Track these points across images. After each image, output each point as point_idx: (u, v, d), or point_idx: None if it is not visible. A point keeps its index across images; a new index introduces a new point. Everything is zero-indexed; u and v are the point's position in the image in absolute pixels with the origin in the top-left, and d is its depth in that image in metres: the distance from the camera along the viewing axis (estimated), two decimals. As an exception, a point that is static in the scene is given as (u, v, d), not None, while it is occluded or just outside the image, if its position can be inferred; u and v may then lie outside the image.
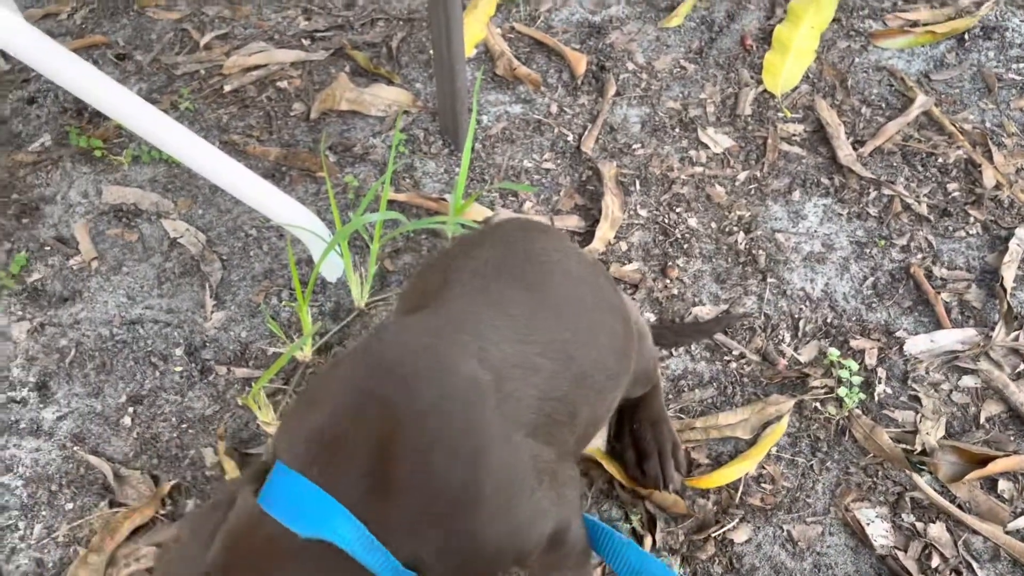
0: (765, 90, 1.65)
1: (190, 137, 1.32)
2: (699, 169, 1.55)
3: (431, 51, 1.76)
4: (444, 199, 1.52)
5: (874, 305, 1.34)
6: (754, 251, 1.42)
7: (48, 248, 1.51)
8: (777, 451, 1.19)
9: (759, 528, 1.13)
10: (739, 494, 1.15)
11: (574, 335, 0.87)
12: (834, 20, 1.75)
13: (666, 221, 1.47)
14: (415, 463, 0.70)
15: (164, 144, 1.33)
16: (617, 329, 0.94)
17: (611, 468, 1.16)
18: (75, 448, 1.25)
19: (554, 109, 1.66)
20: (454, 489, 0.71)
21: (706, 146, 1.58)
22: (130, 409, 1.29)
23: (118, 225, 1.53)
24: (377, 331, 0.81)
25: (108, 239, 1.51)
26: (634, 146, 1.59)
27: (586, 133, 1.61)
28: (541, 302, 0.87)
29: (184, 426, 1.27)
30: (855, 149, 1.54)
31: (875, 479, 1.16)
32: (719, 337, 1.31)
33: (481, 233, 1.00)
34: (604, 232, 1.44)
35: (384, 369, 0.75)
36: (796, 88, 1.65)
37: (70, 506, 1.20)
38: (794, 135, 1.59)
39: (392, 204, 1.51)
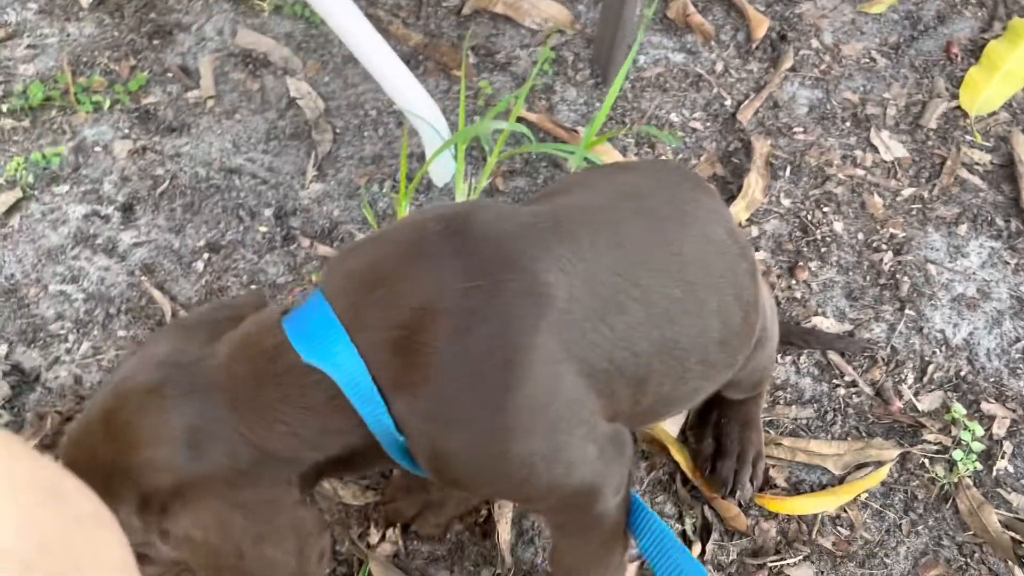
0: (958, 107, 1.46)
1: (340, -5, 1.23)
2: (861, 172, 1.38)
3: (605, -26, 1.62)
4: (576, 131, 1.40)
5: (1019, 371, 1.18)
6: (898, 276, 1.26)
7: (170, 75, 1.46)
8: (866, 497, 1.05)
9: (823, 573, 1.00)
10: (811, 530, 1.02)
11: (684, 299, 0.76)
12: (1060, 50, 1.53)
13: (809, 218, 1.32)
14: (448, 342, 0.64)
15: (312, -5, 1.24)
16: (735, 319, 0.81)
17: (679, 455, 1.04)
18: (142, 278, 1.22)
19: (719, 67, 1.52)
20: (478, 386, 0.65)
21: (876, 149, 1.41)
22: (205, 255, 1.25)
23: (243, 70, 1.48)
24: (476, 201, 0.74)
25: (230, 82, 1.46)
26: (795, 129, 1.44)
27: (746, 102, 1.47)
28: (665, 247, 0.76)
29: (253, 287, 1.22)
30: (1045, 197, 1.35)
31: (969, 560, 1.02)
32: (833, 357, 1.17)
33: (638, 162, 0.90)
34: (738, 211, 1.30)
35: (459, 236, 0.68)
36: (994, 113, 1.46)
37: (122, 333, 1.17)
38: (978, 164, 1.40)
39: (520, 121, 1.40)
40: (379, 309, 0.66)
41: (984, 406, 1.13)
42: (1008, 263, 1.29)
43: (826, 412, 1.13)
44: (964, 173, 1.39)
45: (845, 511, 1.04)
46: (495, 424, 0.65)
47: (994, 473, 1.08)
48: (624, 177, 0.84)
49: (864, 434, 1.11)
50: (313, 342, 0.65)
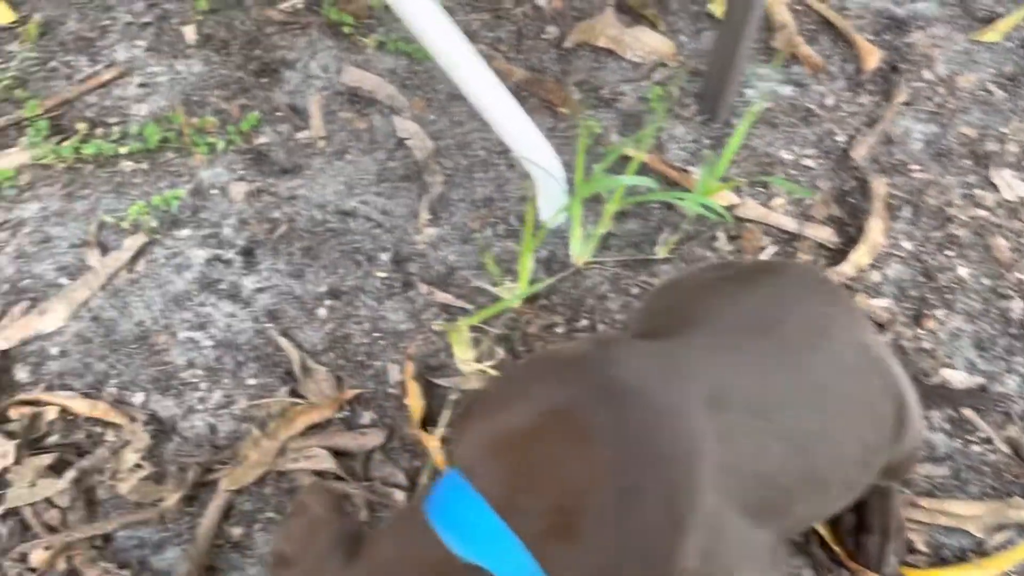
0: (1083, 142, 1.42)
1: (451, 30, 1.23)
2: (983, 213, 1.35)
3: (707, 2, 1.60)
4: (687, 171, 1.39)
5: None
6: (1029, 325, 1.23)
7: (280, 114, 1.48)
8: (1012, 569, 1.03)
9: (967, 642, 0.99)
10: (955, 598, 1.01)
11: (821, 430, 0.76)
12: None
13: (932, 262, 1.30)
14: (609, 509, 0.62)
15: (422, 31, 1.23)
16: (871, 438, 0.81)
17: (822, 528, 1.03)
18: (268, 325, 1.24)
19: (829, 102, 1.49)
20: (649, 551, 0.63)
21: (997, 188, 1.38)
22: (328, 301, 1.26)
23: (351, 109, 1.49)
24: (601, 342, 0.72)
25: (338, 121, 1.47)
26: (911, 166, 1.41)
27: (859, 137, 1.44)
28: (797, 379, 0.76)
29: (376, 335, 1.23)
30: None
31: (1120, 632, 1.00)
32: (966, 412, 1.15)
33: (755, 269, 0.87)
34: (860, 256, 1.28)
35: (599, 389, 0.66)
36: (1121, 149, 1.41)
37: (252, 382, 1.19)
38: (1106, 203, 1.36)
39: (625, 161, 1.39)
40: (533, 492, 0.63)
41: None
42: None
43: (960, 470, 1.11)
44: (1092, 214, 1.35)
45: (986, 576, 1.03)
46: None
47: None
48: (742, 296, 0.81)
49: (1003, 494, 1.09)
50: (475, 542, 0.63)
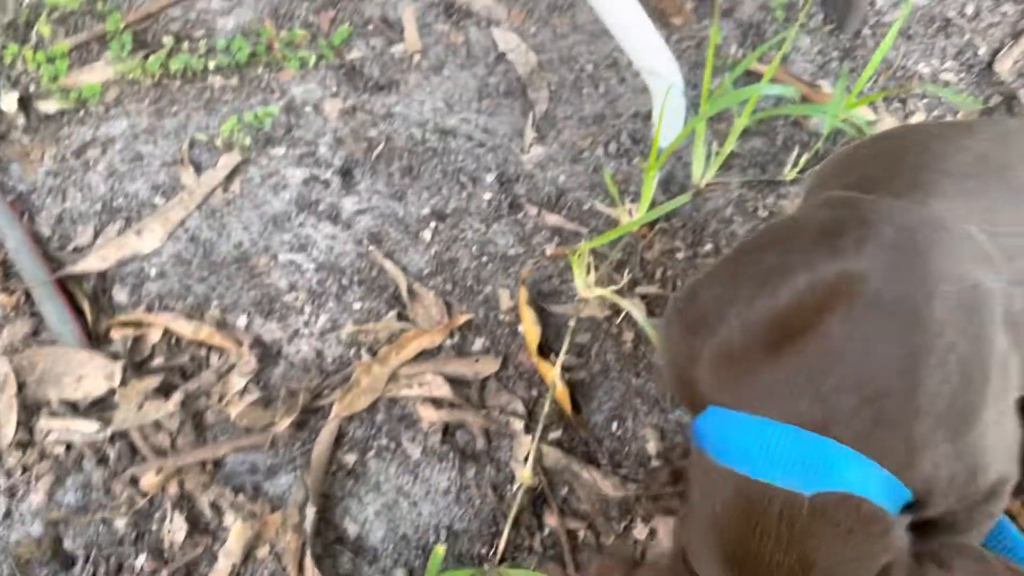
0: None
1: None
2: None
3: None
4: (817, 85, 1.28)
5: None
6: None
7: (372, 27, 1.40)
8: None
9: None
10: None
11: None
12: None
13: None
14: (927, 375, 0.55)
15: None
16: None
17: None
18: (371, 248, 1.18)
19: (969, 10, 1.36)
20: (959, 407, 0.57)
21: None
22: (432, 224, 1.20)
23: (446, 21, 1.40)
24: (851, 204, 0.64)
25: (434, 34, 1.39)
26: (1063, 81, 1.28)
27: (1004, 50, 1.31)
28: None
29: (484, 259, 1.16)
30: None
31: None
32: None
33: (959, 123, 0.78)
34: (1010, 177, 1.17)
35: (882, 254, 0.58)
36: None
37: (358, 306, 1.14)
38: None
39: (751, 76, 1.28)
40: (840, 391, 0.56)
41: None
42: None
43: None
44: None
45: None
46: (984, 433, 0.59)
47: None
48: (964, 144, 0.72)
49: None
50: (805, 469, 0.57)
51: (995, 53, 1.31)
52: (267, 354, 1.10)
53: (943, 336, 0.56)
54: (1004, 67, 1.29)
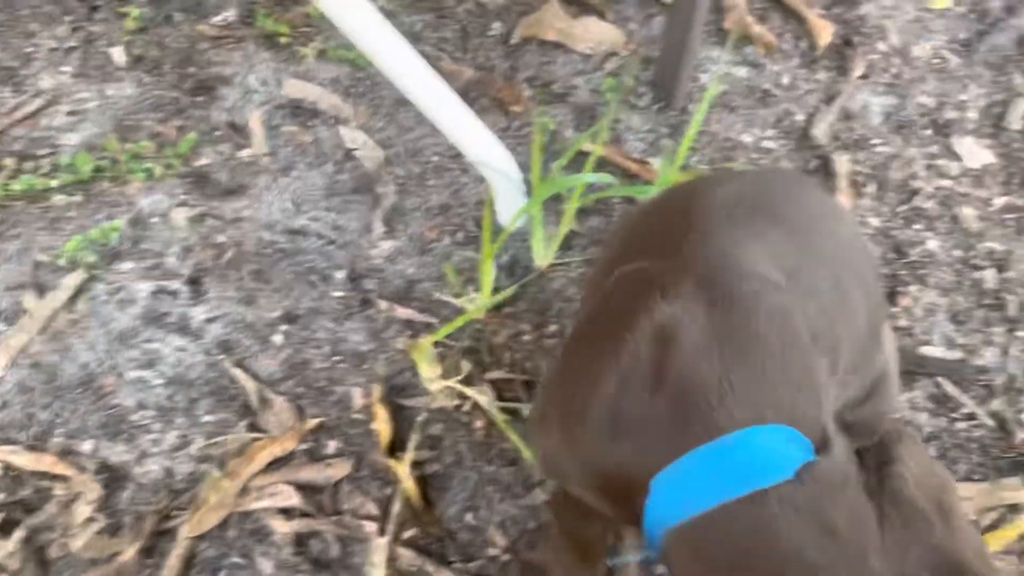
0: (1041, 104, 1.40)
1: (394, 37, 1.17)
2: (948, 183, 1.32)
3: (655, -11, 1.56)
4: (647, 162, 1.35)
5: None
6: (1004, 295, 1.21)
7: (219, 133, 1.41)
8: (1004, 547, 1.00)
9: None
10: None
11: (832, 293, 0.72)
12: None
13: (901, 237, 1.27)
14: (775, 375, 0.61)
15: (362, 39, 1.18)
16: (862, 324, 0.77)
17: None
18: (221, 357, 1.17)
19: (785, 80, 1.46)
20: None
21: (959, 157, 1.35)
22: (283, 327, 1.20)
23: (293, 123, 1.43)
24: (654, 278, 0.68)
25: (282, 136, 1.41)
26: (873, 141, 1.38)
27: (818, 115, 1.41)
28: (799, 244, 0.73)
29: (336, 358, 1.17)
30: None
31: (1122, 604, 0.97)
32: (948, 388, 1.12)
33: (724, 174, 0.85)
34: (828, 237, 1.25)
35: (697, 301, 0.63)
36: (1080, 108, 1.40)
37: (207, 419, 1.13)
38: (1069, 164, 1.34)
39: (583, 156, 1.34)
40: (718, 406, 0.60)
41: (1114, 432, 1.08)
42: (1117, 271, 1.23)
43: (948, 449, 1.08)
44: (1056, 176, 1.33)
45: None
46: None
47: None
48: (725, 190, 0.78)
49: (991, 471, 1.06)
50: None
51: (810, 118, 1.40)
52: (114, 478, 1.08)
53: (769, 344, 0.61)
54: (820, 131, 1.38)
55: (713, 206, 0.74)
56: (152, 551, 1.02)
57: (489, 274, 1.12)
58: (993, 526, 1.02)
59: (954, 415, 1.11)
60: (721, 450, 0.57)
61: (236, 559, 1.02)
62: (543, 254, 1.23)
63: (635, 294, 0.66)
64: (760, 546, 0.52)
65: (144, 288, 1.24)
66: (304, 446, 1.10)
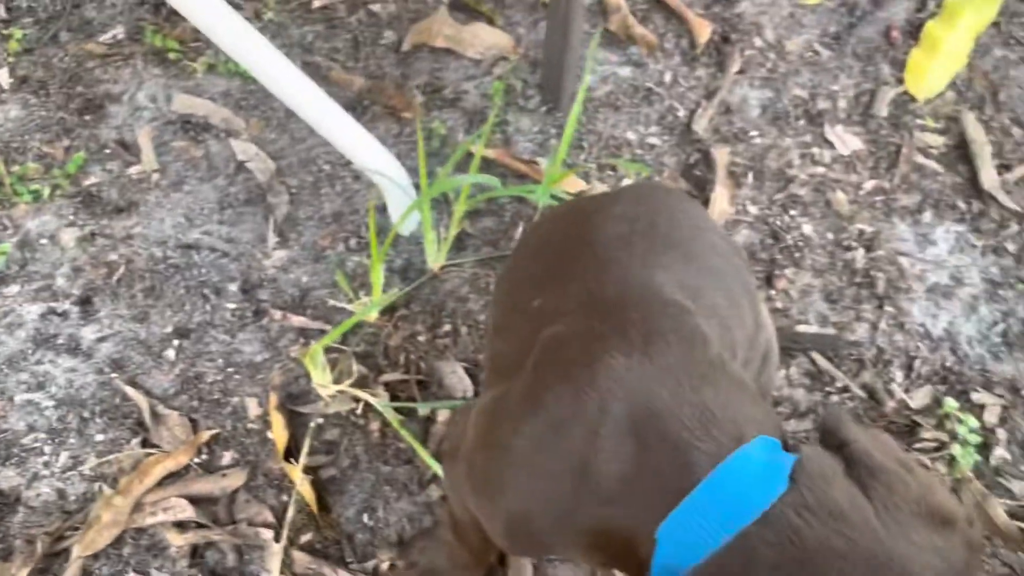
0: (905, 92, 1.48)
1: (272, 53, 1.20)
2: (821, 170, 1.39)
3: (541, -6, 1.60)
4: (536, 162, 1.38)
5: (1002, 355, 1.20)
6: (873, 273, 1.27)
7: (108, 151, 1.40)
8: (875, 506, 1.06)
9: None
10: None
11: (727, 305, 0.77)
12: (994, 23, 1.56)
13: (778, 224, 1.33)
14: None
15: (242, 57, 1.20)
16: (750, 322, 0.83)
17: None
18: (113, 375, 1.17)
19: (667, 78, 1.51)
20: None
21: (832, 145, 1.42)
22: (175, 342, 1.20)
23: (184, 138, 1.43)
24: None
25: (172, 151, 1.41)
26: (751, 133, 1.44)
27: (699, 111, 1.46)
28: (694, 264, 0.78)
29: (230, 370, 1.18)
30: (1000, 174, 1.38)
31: (982, 556, 1.04)
32: (822, 363, 1.18)
33: (611, 194, 0.89)
34: (709, 226, 1.30)
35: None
36: (941, 94, 1.48)
37: (100, 438, 1.12)
38: (932, 148, 1.42)
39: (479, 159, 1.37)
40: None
41: (974, 396, 1.15)
42: (975, 246, 1.31)
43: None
44: (920, 158, 1.41)
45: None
46: None
47: (992, 463, 1.10)
48: (615, 211, 0.82)
49: (863, 440, 1.12)
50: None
51: (692, 114, 1.46)
52: (4, 503, 1.06)
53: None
54: (700, 125, 1.44)
55: (610, 234, 0.78)
56: (45, 573, 1.01)
57: (379, 277, 1.14)
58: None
59: (828, 389, 1.17)
60: (721, 480, 0.59)
61: (132, 575, 1.01)
62: (435, 256, 1.25)
63: (580, 350, 0.67)
64: (790, 556, 0.55)
65: (33, 310, 1.23)
66: (199, 459, 1.10)
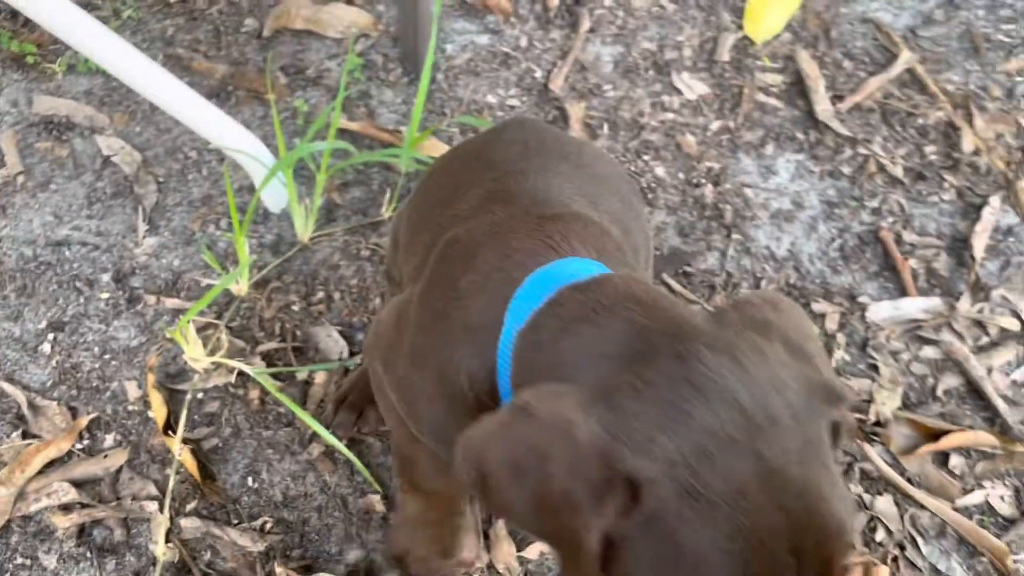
0: (745, 37, 1.57)
1: (122, 47, 1.22)
2: (671, 116, 1.47)
3: (396, -29, 1.65)
4: (400, 131, 1.43)
5: (839, 268, 1.29)
6: (721, 205, 1.36)
7: (-30, 159, 1.40)
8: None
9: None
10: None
11: (623, 209, 0.83)
12: (823, -34, 1.66)
13: (633, 169, 1.40)
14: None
15: (93, 53, 1.22)
16: (646, 228, 0.91)
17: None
18: (-12, 374, 1.17)
19: (523, 43, 1.57)
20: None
21: (680, 92, 1.50)
22: (50, 336, 1.21)
23: (48, 138, 1.43)
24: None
25: (37, 153, 1.41)
26: (605, 87, 1.51)
27: (555, 70, 1.53)
28: (587, 172, 0.83)
29: (107, 357, 1.19)
30: (834, 104, 1.48)
31: (826, 448, 1.13)
32: (677, 288, 1.26)
33: (497, 126, 0.96)
34: (566, 176, 1.36)
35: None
36: (778, 36, 1.57)
37: (-21, 435, 1.13)
38: (772, 86, 1.51)
39: (344, 134, 1.41)
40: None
41: (815, 307, 1.25)
42: (813, 171, 1.40)
43: (681, 345, 1.21)
44: (761, 97, 1.50)
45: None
46: None
47: (834, 364, 1.19)
48: (507, 137, 0.88)
49: (717, 357, 1.20)
50: None
51: (548, 74, 1.52)
52: None
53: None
54: (557, 84, 1.50)
55: (506, 153, 0.84)
56: (-72, 571, 1.02)
57: (243, 247, 1.17)
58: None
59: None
60: (543, 273, 0.66)
61: (20, 560, 1.03)
62: (304, 227, 1.29)
63: (472, 243, 0.72)
64: (592, 307, 0.61)
65: (-99, 321, 1.22)
66: (81, 445, 1.12)
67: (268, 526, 1.06)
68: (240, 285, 1.22)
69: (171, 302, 1.24)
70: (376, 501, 1.07)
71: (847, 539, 0.52)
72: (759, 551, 0.49)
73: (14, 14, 1.59)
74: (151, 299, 1.24)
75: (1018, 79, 1.53)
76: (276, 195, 1.32)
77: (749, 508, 0.49)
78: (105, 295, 1.25)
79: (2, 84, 1.49)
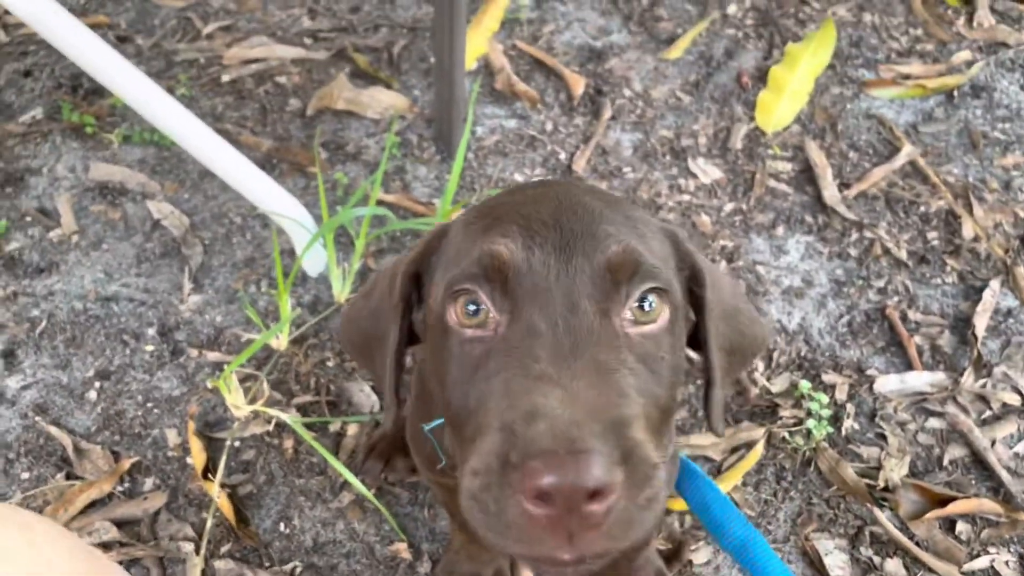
0: (757, 127, 1.68)
1: (184, 114, 1.32)
2: (687, 197, 1.56)
3: (432, 60, 1.78)
4: (432, 204, 1.52)
5: (848, 343, 1.36)
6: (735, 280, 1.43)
7: (29, 219, 1.49)
8: (743, 477, 1.19)
9: (719, 552, 1.12)
10: (702, 516, 1.15)
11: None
12: (829, 66, 1.78)
13: (650, 244, 1.48)
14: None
15: (156, 118, 1.33)
16: None
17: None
18: (36, 419, 1.23)
19: (549, 127, 1.68)
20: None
21: (695, 176, 1.60)
22: (96, 384, 1.28)
23: (102, 202, 1.53)
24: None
25: (91, 215, 1.50)
26: (625, 169, 1.61)
27: (578, 153, 1.63)
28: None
29: (150, 405, 1.25)
30: (840, 191, 1.57)
31: (836, 511, 1.17)
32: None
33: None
34: (588, 249, 1.45)
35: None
36: (787, 128, 1.68)
37: (26, 476, 1.18)
38: (782, 172, 1.61)
39: (380, 204, 1.51)
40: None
41: (825, 378, 1.30)
42: (822, 252, 1.48)
43: (696, 409, 1.27)
44: (772, 182, 1.59)
45: (729, 494, 1.18)
46: None
47: (844, 433, 1.24)
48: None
49: (732, 421, 1.25)
50: None
51: (572, 156, 1.63)
52: (-71, 543, 1.11)
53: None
54: (579, 165, 1.61)
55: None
56: (-30, 603, 1.05)
57: (285, 303, 1.25)
58: (738, 460, 1.20)
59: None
60: None
61: (56, 598, 1.06)
62: (340, 288, 1.36)
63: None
64: None
65: (-44, 366, 1.29)
66: (122, 487, 1.16)
67: (298, 570, 1.09)
68: (280, 340, 1.29)
69: (212, 355, 1.31)
70: (402, 549, 1.11)
71: (626, 249, 0.63)
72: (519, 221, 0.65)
73: (75, 88, 1.72)
74: (193, 352, 1.31)
75: (1015, 173, 1.63)
76: (315, 260, 1.40)
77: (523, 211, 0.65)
78: (150, 347, 1.32)
79: (62, 151, 1.60)
